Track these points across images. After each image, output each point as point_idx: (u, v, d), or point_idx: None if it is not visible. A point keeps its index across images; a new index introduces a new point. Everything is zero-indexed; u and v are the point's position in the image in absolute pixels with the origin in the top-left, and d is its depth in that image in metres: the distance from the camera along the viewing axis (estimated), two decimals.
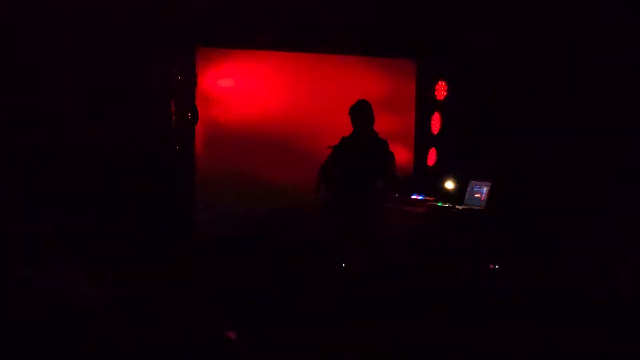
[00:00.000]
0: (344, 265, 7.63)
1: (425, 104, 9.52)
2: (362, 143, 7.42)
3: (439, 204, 7.84)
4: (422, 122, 9.53)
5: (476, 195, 7.78)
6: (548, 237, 7.38)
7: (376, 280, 7.13)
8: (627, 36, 7.95)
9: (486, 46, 9.11)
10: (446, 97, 9.35)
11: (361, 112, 7.50)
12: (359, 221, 7.27)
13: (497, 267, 6.44)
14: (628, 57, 7.88)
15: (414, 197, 8.21)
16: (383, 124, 9.36)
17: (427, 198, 8.17)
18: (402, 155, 9.45)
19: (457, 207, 7.77)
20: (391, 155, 7.46)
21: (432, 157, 9.50)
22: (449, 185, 8.58)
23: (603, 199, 8.07)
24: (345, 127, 7.54)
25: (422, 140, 9.55)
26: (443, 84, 9.38)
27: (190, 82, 8.50)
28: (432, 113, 9.48)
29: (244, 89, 8.98)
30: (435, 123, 9.45)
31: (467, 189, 7.92)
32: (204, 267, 7.65)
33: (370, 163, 7.36)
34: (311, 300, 4.68)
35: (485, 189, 7.74)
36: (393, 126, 9.46)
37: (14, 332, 3.97)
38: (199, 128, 8.71)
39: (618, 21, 7.87)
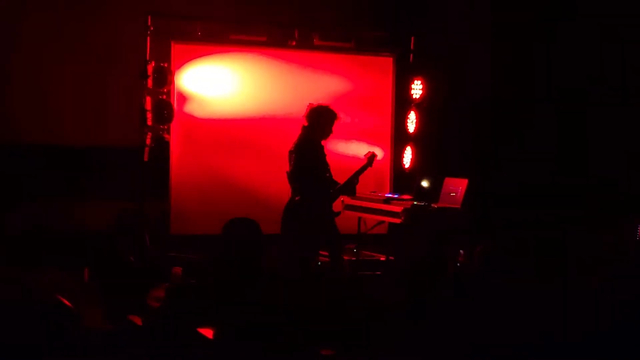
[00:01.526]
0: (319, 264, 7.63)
1: (401, 102, 9.54)
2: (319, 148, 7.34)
3: (415, 203, 7.84)
4: (399, 120, 9.54)
5: (452, 194, 7.79)
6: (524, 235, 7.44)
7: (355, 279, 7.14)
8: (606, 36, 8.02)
9: (463, 44, 9.16)
10: (422, 95, 9.37)
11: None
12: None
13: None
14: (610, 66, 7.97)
15: (389, 195, 8.21)
16: (360, 122, 9.39)
17: (403, 197, 8.17)
18: (379, 153, 9.47)
19: (432, 205, 7.78)
20: None
21: (408, 156, 9.52)
22: (425, 183, 8.60)
23: (576, 195, 8.17)
24: None
25: (399, 138, 9.56)
26: (419, 82, 9.39)
27: (166, 78, 8.44)
28: (409, 111, 9.49)
29: (220, 86, 8.94)
30: (412, 121, 9.47)
31: (443, 188, 7.93)
32: (179, 264, 7.62)
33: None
34: (287, 296, 4.67)
35: (460, 187, 7.75)
36: (370, 124, 9.48)
37: None
38: (174, 125, 8.67)
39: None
